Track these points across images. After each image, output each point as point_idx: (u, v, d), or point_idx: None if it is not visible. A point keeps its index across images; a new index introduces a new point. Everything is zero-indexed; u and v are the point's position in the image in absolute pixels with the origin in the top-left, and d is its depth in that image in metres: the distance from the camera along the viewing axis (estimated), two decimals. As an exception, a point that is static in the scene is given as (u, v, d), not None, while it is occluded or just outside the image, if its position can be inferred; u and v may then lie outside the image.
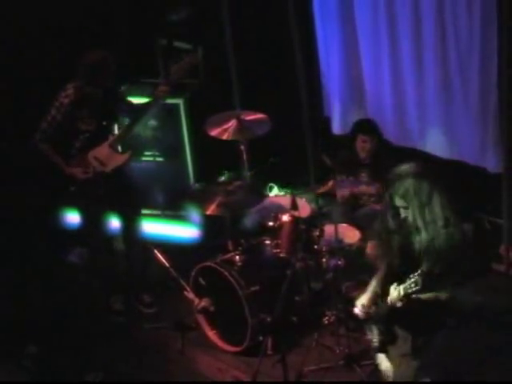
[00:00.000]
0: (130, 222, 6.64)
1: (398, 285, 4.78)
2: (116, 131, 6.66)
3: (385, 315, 4.83)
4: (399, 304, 4.76)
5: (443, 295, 4.69)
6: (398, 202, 4.79)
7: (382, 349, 4.95)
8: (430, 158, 6.68)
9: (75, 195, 6.42)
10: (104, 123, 6.36)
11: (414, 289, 4.66)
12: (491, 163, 6.35)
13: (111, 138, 6.37)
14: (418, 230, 4.74)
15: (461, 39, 6.23)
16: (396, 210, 4.82)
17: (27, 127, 6.37)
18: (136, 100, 7.09)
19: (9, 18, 7.37)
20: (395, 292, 4.78)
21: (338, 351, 5.79)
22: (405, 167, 4.84)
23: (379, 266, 5.00)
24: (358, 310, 5.00)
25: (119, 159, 6.40)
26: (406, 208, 4.77)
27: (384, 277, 4.92)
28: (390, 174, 4.88)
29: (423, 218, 4.70)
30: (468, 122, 6.43)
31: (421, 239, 4.74)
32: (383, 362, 5.04)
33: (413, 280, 4.66)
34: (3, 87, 7.38)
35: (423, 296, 4.69)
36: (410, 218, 4.73)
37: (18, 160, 7.50)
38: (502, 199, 6.26)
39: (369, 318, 4.97)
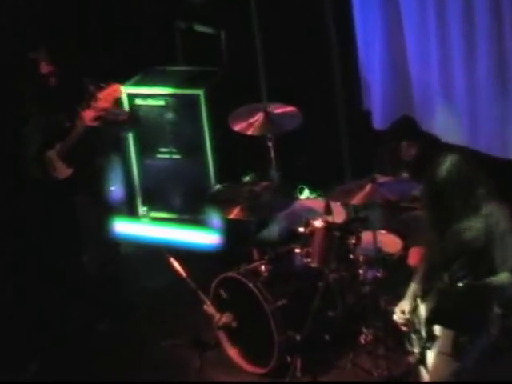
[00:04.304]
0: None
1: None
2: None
3: (425, 317, 4.69)
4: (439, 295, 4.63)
5: (495, 281, 4.51)
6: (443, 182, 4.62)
7: (424, 360, 4.75)
8: (482, 156, 6.43)
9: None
10: (51, 124, 6.29)
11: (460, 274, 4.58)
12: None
13: (57, 146, 6.30)
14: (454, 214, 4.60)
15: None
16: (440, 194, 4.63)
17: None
18: (152, 90, 7.22)
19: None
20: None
21: (375, 374, 5.71)
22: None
23: (419, 267, 4.92)
24: (396, 317, 4.88)
25: (64, 171, 6.30)
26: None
27: (425, 277, 4.83)
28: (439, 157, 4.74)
29: (466, 201, 4.55)
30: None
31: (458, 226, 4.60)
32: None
33: (459, 264, 4.61)
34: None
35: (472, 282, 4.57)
36: (451, 202, 4.57)
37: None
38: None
39: (408, 325, 4.84)
